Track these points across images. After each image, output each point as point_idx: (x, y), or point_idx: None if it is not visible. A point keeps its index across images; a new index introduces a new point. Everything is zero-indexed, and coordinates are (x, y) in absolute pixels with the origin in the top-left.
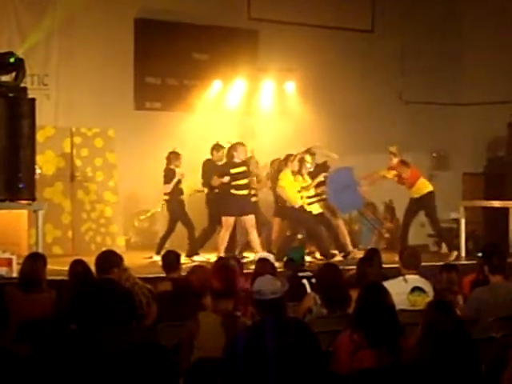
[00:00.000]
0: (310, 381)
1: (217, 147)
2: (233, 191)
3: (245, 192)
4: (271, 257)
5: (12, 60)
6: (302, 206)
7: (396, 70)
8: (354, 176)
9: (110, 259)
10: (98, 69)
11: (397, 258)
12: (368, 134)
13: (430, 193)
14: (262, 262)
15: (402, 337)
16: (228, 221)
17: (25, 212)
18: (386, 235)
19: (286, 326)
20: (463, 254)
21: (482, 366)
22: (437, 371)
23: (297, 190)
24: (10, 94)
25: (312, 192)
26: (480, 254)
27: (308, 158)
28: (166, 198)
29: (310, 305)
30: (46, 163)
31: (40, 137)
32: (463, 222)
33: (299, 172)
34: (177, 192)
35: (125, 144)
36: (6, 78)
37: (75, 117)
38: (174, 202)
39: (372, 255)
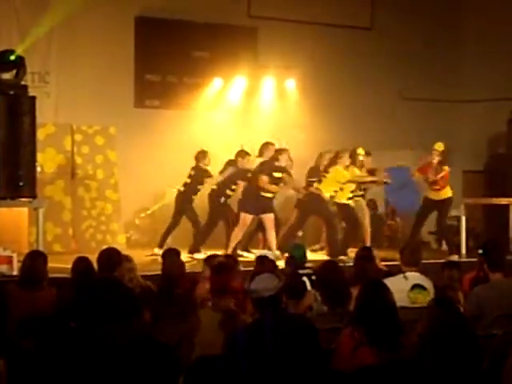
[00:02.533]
0: (310, 377)
1: (241, 153)
2: (262, 193)
3: (270, 195)
4: (269, 253)
5: (12, 58)
6: (319, 195)
7: (396, 67)
8: (410, 175)
9: (112, 257)
10: (99, 67)
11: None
12: (368, 131)
13: (450, 198)
14: (260, 259)
15: (402, 334)
16: (246, 219)
17: (25, 210)
18: (387, 233)
19: (286, 323)
20: (464, 251)
21: (483, 364)
22: (439, 368)
23: (336, 188)
24: (11, 92)
25: (353, 187)
26: (480, 251)
27: (360, 150)
28: (181, 189)
29: (311, 302)
30: (46, 161)
31: (40, 134)
32: (464, 219)
33: (353, 163)
34: (193, 190)
35: (125, 141)
36: (6, 76)
37: (76, 114)
38: (186, 197)
39: (369, 252)
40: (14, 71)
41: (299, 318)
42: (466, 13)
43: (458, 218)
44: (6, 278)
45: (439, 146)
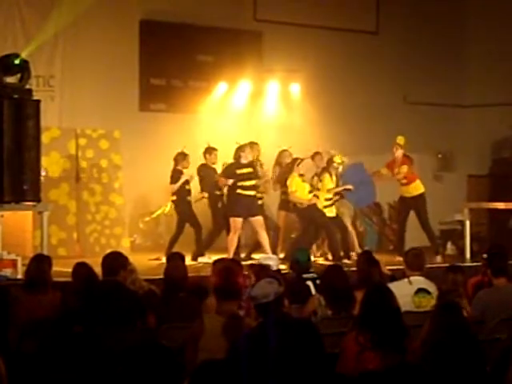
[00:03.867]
0: (314, 381)
1: (209, 150)
2: (239, 191)
3: (251, 193)
4: (275, 258)
5: (17, 61)
6: (314, 205)
7: (401, 71)
8: (366, 171)
9: (116, 261)
10: (103, 70)
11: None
12: (373, 135)
13: (423, 194)
14: (258, 267)
15: (407, 338)
16: (236, 223)
17: (30, 213)
18: (392, 237)
19: (288, 327)
20: (468, 255)
21: (486, 368)
22: (442, 372)
23: (307, 191)
24: (15, 96)
25: (330, 195)
26: (485, 256)
27: (337, 158)
28: (174, 198)
29: (315, 307)
30: (51, 165)
31: (45, 138)
32: (468, 223)
33: (327, 171)
34: (184, 193)
35: (129, 145)
36: (11, 80)
37: (80, 118)
38: (182, 203)
39: (371, 255)
40: (19, 75)
41: (302, 322)
42: (470, 18)
43: (462, 223)
44: (11, 281)
45: (400, 140)
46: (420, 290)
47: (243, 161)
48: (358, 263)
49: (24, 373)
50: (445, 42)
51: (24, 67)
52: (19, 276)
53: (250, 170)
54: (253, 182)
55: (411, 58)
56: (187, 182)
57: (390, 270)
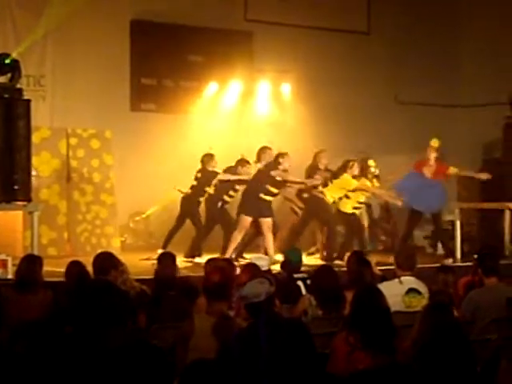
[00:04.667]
0: (305, 381)
1: (210, 156)
2: (262, 195)
3: (271, 198)
4: (266, 258)
5: (7, 61)
6: (324, 200)
7: (392, 71)
8: (422, 175)
9: (107, 261)
10: (94, 70)
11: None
12: (364, 135)
13: None
14: (250, 266)
15: (396, 338)
16: (245, 221)
17: (20, 213)
18: (382, 237)
19: (279, 327)
20: (458, 255)
21: (477, 368)
22: (433, 372)
23: (341, 195)
24: (6, 95)
25: (362, 199)
26: (476, 256)
27: (371, 162)
28: (189, 191)
29: (306, 306)
30: (41, 164)
31: (36, 138)
32: (458, 223)
33: (364, 175)
34: (200, 192)
35: (120, 145)
36: (1, 79)
37: (71, 118)
38: (192, 200)
39: (363, 256)
40: (9, 75)
41: (293, 322)
42: (463, 19)
43: (453, 223)
44: (1, 281)
45: (435, 143)
46: (411, 290)
47: (281, 167)
48: (348, 263)
49: (15, 373)
50: (437, 41)
51: (14, 67)
52: (10, 276)
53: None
54: (277, 191)
55: (403, 58)
56: (215, 185)
57: (380, 270)
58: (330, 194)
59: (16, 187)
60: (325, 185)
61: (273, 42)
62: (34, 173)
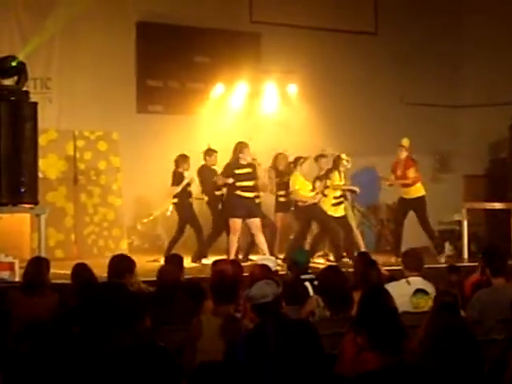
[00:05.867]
0: (313, 382)
1: (209, 152)
2: (238, 192)
3: (250, 194)
4: (272, 259)
5: (14, 64)
6: (316, 203)
7: (398, 72)
8: (376, 174)
9: (123, 264)
10: (100, 72)
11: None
12: (370, 136)
13: (423, 197)
14: (258, 267)
15: (405, 338)
16: (235, 224)
17: (27, 216)
18: (389, 237)
19: (287, 328)
20: (466, 255)
21: (484, 368)
22: (440, 373)
23: (309, 190)
24: (12, 98)
25: (338, 193)
26: (483, 256)
27: (344, 156)
28: (175, 200)
29: (313, 308)
30: (48, 167)
31: (43, 140)
32: (465, 223)
33: (336, 169)
34: (186, 195)
35: (127, 147)
36: (8, 82)
37: (78, 120)
38: (184, 205)
39: (369, 256)
40: (16, 77)
41: (300, 323)
42: (467, 18)
43: (460, 223)
44: (9, 284)
45: (405, 142)
46: (418, 291)
47: (242, 161)
48: (355, 264)
49: (22, 374)
50: (442, 42)
51: (21, 69)
52: (17, 278)
53: (249, 170)
54: (251, 183)
55: (409, 59)
56: (188, 184)
57: (387, 270)
58: (306, 194)
59: (23, 190)
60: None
61: (279, 43)
62: (40, 175)
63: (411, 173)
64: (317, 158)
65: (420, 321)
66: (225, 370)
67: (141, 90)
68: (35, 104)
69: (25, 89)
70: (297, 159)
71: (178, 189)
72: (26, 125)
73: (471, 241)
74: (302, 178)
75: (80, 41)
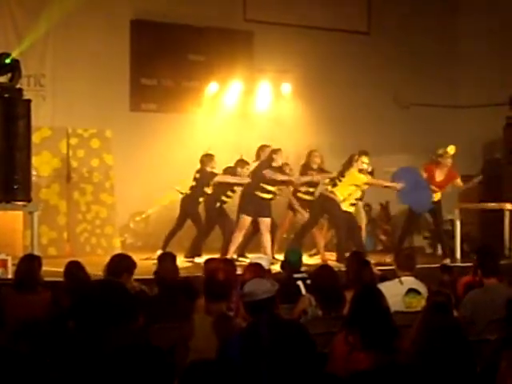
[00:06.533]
0: (305, 381)
1: (209, 156)
2: (258, 193)
3: (269, 196)
4: (266, 258)
5: (8, 61)
6: (337, 200)
7: (392, 71)
8: (421, 174)
9: (123, 264)
10: (94, 70)
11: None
12: (364, 135)
13: (440, 200)
14: (251, 266)
15: (397, 338)
16: (245, 221)
17: (20, 213)
18: (382, 237)
19: (281, 327)
20: (458, 255)
21: (476, 368)
22: (432, 372)
23: (351, 191)
24: (6, 95)
25: (359, 194)
26: (475, 256)
27: (364, 158)
28: (187, 191)
29: (305, 306)
30: (42, 164)
31: (36, 138)
32: (458, 223)
33: (353, 167)
34: (200, 193)
35: (120, 145)
36: (1, 79)
37: (71, 117)
38: (193, 199)
39: (362, 256)
40: (9, 74)
41: (292, 323)
42: (463, 19)
43: (453, 223)
44: (1, 281)
45: (451, 149)
46: (410, 291)
47: (274, 164)
48: (348, 263)
49: (17, 373)
50: (436, 42)
51: (15, 66)
52: (9, 276)
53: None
54: (273, 189)
55: (402, 59)
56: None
57: (380, 270)
58: (341, 193)
59: (16, 187)
60: (334, 184)
61: (273, 42)
62: (33, 173)
63: (459, 183)
64: (309, 154)
65: (412, 320)
66: (216, 368)
67: (134, 88)
68: (29, 101)
69: (18, 86)
70: (351, 156)
71: (208, 190)
72: (19, 122)
73: (464, 241)
74: (357, 175)
75: (74, 38)
